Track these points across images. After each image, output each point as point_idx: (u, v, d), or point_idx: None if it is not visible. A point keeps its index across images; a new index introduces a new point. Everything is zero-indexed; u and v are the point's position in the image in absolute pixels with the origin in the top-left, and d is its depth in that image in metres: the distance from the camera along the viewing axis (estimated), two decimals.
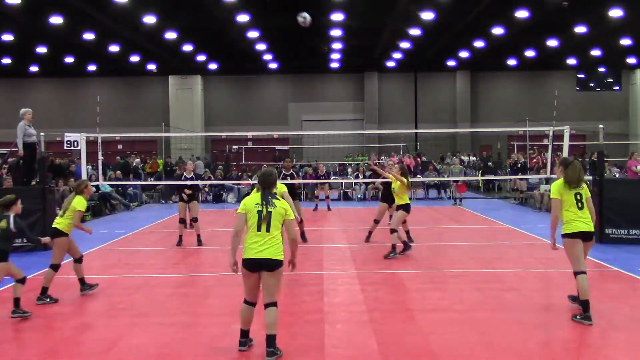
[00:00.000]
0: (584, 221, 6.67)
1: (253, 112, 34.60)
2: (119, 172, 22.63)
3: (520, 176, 19.86)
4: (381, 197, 12.68)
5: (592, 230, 6.74)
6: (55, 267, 7.81)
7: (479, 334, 6.29)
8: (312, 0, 21.83)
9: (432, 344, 5.96)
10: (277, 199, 5.76)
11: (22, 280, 7.15)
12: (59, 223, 7.90)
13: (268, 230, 5.55)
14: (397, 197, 10.59)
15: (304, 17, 11.93)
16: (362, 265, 9.95)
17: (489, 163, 26.40)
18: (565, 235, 6.68)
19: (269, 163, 30.26)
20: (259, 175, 5.96)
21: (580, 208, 6.68)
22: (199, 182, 14.25)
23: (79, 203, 7.95)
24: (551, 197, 6.85)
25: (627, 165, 17.33)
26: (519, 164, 20.55)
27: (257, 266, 5.53)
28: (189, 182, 12.59)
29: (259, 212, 5.59)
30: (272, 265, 5.53)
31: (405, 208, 10.44)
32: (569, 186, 6.71)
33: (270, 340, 5.50)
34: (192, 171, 13.05)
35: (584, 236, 6.66)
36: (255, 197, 5.74)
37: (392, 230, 10.37)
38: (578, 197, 6.71)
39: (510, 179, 21.06)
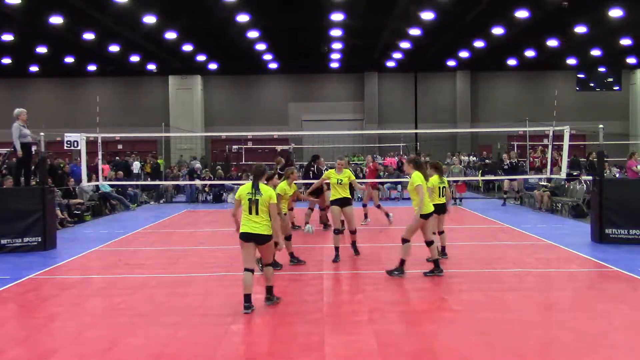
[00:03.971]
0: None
1: (253, 112, 34.56)
2: (120, 172, 22.58)
3: (522, 176, 19.79)
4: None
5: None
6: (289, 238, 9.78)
7: (479, 334, 6.28)
8: (312, 0, 21.89)
9: (432, 344, 5.95)
10: (265, 186, 7.15)
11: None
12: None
13: (257, 213, 7.01)
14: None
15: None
16: (362, 265, 9.95)
17: (486, 160, 26.28)
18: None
19: (268, 163, 30.35)
20: (253, 168, 7.61)
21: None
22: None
23: (281, 187, 9.63)
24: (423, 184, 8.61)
25: (627, 165, 17.28)
26: (506, 165, 19.87)
27: (249, 238, 7.02)
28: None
29: (250, 200, 7.02)
30: (261, 239, 7.03)
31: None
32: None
33: (268, 289, 7.34)
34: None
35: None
36: (247, 186, 7.19)
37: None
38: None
39: (508, 179, 20.89)
